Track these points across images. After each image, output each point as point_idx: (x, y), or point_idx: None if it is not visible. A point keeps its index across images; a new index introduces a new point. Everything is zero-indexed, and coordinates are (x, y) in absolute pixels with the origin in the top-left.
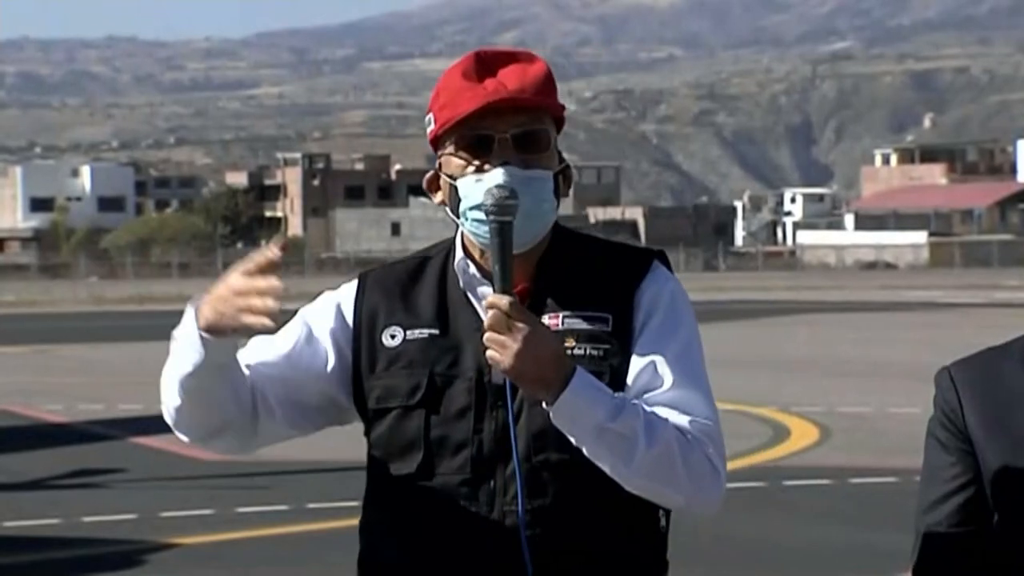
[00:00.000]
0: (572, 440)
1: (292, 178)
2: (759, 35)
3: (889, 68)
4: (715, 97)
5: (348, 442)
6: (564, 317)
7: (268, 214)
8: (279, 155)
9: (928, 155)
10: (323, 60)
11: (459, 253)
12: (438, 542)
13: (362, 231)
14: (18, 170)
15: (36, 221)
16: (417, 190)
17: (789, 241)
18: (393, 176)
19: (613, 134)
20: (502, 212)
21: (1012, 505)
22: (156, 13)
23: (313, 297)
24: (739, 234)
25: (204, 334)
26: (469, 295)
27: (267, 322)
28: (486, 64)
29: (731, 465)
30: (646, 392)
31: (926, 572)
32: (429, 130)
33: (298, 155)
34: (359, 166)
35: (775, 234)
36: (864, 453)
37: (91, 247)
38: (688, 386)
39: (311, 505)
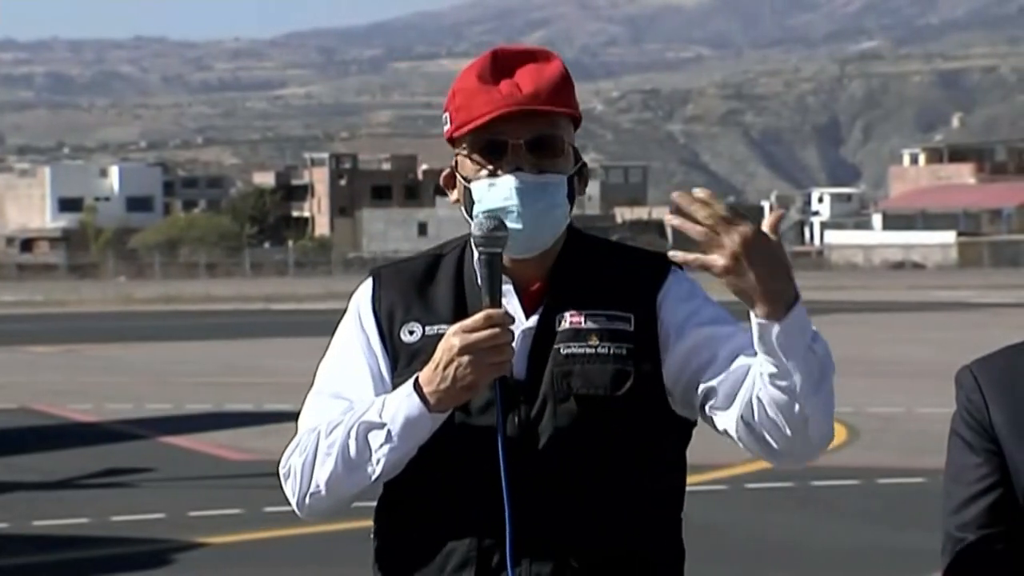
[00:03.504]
0: (770, 364)
1: (319, 178)
2: (787, 34)
3: (917, 67)
4: (742, 97)
5: None
6: (587, 315)
7: (295, 214)
8: (306, 155)
9: (957, 155)
10: (351, 60)
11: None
12: (460, 536)
13: (389, 231)
14: (47, 170)
15: (65, 221)
16: (443, 190)
17: (816, 241)
18: (420, 176)
19: (640, 134)
20: (491, 244)
21: None
22: (185, 13)
23: (339, 297)
24: None
25: (437, 413)
26: None
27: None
28: (502, 65)
29: (759, 465)
30: (735, 349)
31: (958, 574)
32: (445, 129)
33: (325, 155)
34: (386, 166)
35: (802, 234)
36: (893, 453)
37: (119, 247)
38: None
39: None
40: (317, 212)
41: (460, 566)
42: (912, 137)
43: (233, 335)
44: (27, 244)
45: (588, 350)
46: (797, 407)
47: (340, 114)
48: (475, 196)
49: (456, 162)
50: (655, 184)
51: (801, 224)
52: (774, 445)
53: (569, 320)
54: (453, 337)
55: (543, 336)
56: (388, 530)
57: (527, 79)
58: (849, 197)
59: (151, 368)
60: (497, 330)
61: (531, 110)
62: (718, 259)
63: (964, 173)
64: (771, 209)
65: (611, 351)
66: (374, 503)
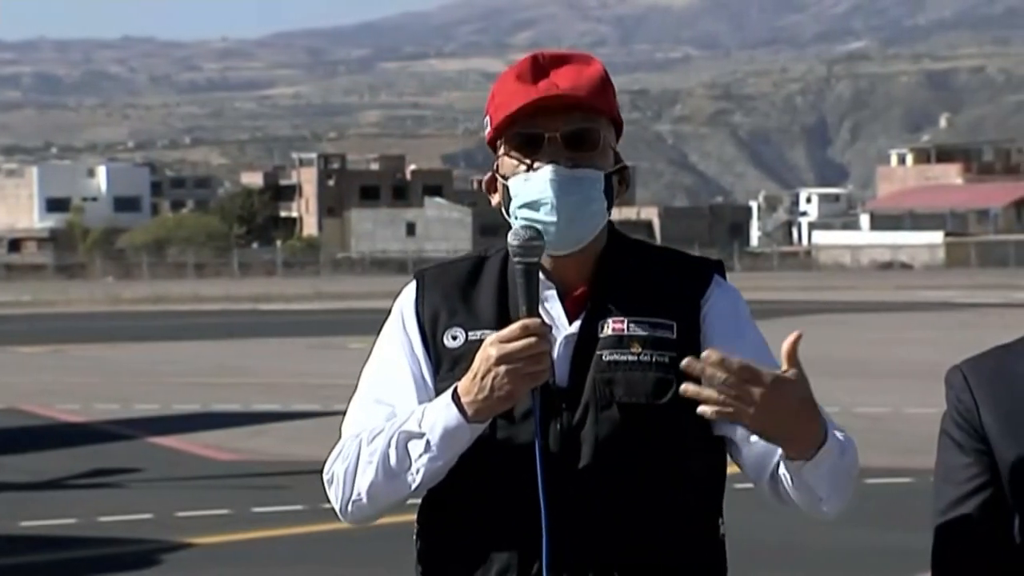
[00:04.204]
0: (790, 480)
1: (307, 178)
2: (775, 35)
3: (905, 68)
4: (731, 97)
5: None
6: (629, 322)
7: (283, 214)
8: (294, 155)
9: (944, 155)
10: (339, 60)
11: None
12: (502, 543)
13: (377, 231)
14: (34, 170)
15: (52, 221)
16: (432, 190)
17: (804, 241)
18: (408, 176)
19: (629, 134)
20: (528, 253)
21: None
22: (172, 13)
23: (327, 297)
24: (754, 234)
25: (475, 423)
26: None
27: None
28: (541, 66)
29: None
30: None
31: (947, 573)
32: (486, 132)
33: (313, 155)
34: (374, 166)
35: (790, 234)
36: (880, 453)
37: (107, 247)
38: None
39: (327, 505)
40: (305, 212)
41: (500, 574)
42: (900, 137)
43: (221, 335)
44: (15, 244)
45: (630, 357)
46: (820, 504)
47: (328, 114)
48: (512, 191)
49: (496, 164)
50: (643, 184)
51: (789, 224)
52: (790, 508)
53: (612, 326)
54: (490, 348)
55: (585, 342)
56: (430, 532)
57: (565, 78)
58: (837, 197)
59: (139, 368)
60: (533, 340)
61: (567, 102)
62: (746, 411)
63: (951, 173)
64: (759, 209)
65: (653, 359)
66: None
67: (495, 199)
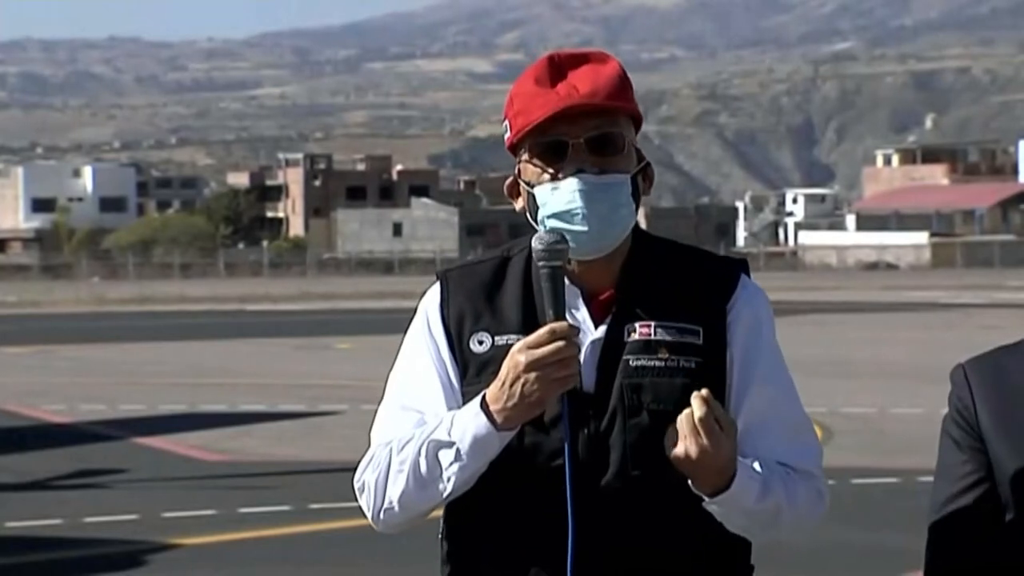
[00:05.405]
0: (714, 514)
1: (294, 178)
2: (761, 35)
3: (891, 68)
4: (717, 98)
5: (349, 442)
6: (655, 327)
7: (270, 215)
8: (281, 155)
9: (930, 155)
10: (325, 61)
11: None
12: (528, 549)
13: (363, 231)
14: (20, 171)
15: (38, 222)
16: (418, 190)
17: (791, 242)
18: (394, 176)
19: None
20: (552, 257)
21: None
22: (159, 13)
23: (314, 298)
24: (741, 235)
25: (505, 431)
26: None
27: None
28: (558, 67)
29: None
30: (753, 426)
31: (939, 570)
32: (506, 137)
33: (300, 155)
34: (361, 166)
35: (777, 235)
36: (867, 453)
37: (93, 248)
38: (793, 419)
39: (313, 506)
40: (292, 212)
41: None
42: (886, 138)
43: (207, 336)
44: (0, 245)
45: (657, 363)
46: (753, 537)
47: (314, 114)
48: (539, 201)
49: (519, 169)
50: None
51: (775, 225)
52: None
53: (639, 331)
54: (518, 355)
55: (612, 347)
56: (458, 535)
57: (583, 80)
58: (823, 198)
59: (125, 369)
60: (562, 344)
61: (589, 108)
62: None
63: (937, 174)
64: (745, 210)
65: (680, 364)
66: (341, 504)
67: (519, 204)
